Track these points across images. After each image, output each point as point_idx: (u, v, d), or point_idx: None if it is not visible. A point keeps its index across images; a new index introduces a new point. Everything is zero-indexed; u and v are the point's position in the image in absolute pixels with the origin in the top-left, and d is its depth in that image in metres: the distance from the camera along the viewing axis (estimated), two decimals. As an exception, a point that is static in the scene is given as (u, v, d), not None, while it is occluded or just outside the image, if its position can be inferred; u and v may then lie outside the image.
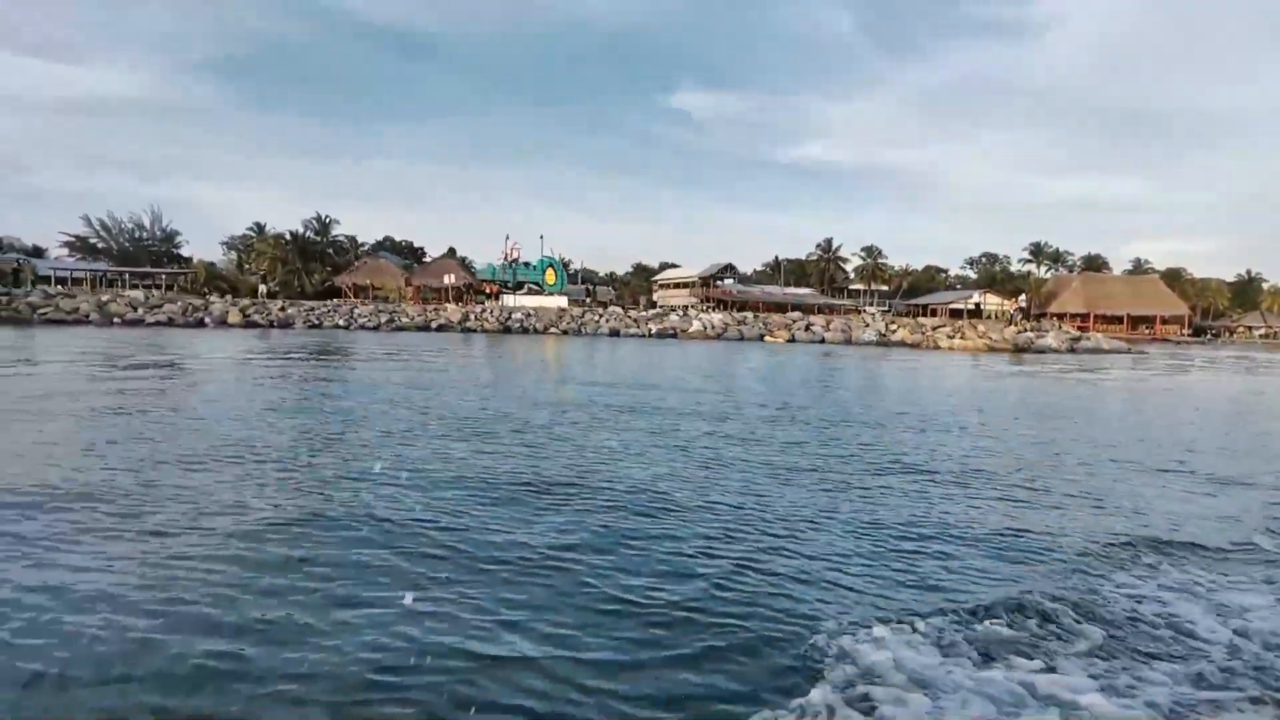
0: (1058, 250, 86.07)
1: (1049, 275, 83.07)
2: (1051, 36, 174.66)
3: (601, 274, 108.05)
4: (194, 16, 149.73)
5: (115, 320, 39.85)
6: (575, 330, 48.17)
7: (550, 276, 54.60)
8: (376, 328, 44.87)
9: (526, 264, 54.96)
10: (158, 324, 40.39)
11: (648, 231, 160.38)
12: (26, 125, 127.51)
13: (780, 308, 70.82)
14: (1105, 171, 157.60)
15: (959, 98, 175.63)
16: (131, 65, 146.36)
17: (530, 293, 53.59)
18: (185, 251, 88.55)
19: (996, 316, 73.33)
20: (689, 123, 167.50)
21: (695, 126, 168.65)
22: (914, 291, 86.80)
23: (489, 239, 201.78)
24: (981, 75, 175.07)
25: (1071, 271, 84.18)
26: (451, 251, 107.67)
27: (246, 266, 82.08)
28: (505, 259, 54.85)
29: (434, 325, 47.10)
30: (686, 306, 69.51)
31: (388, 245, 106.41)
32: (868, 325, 51.20)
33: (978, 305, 76.47)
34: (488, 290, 55.12)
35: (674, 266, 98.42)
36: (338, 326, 44.64)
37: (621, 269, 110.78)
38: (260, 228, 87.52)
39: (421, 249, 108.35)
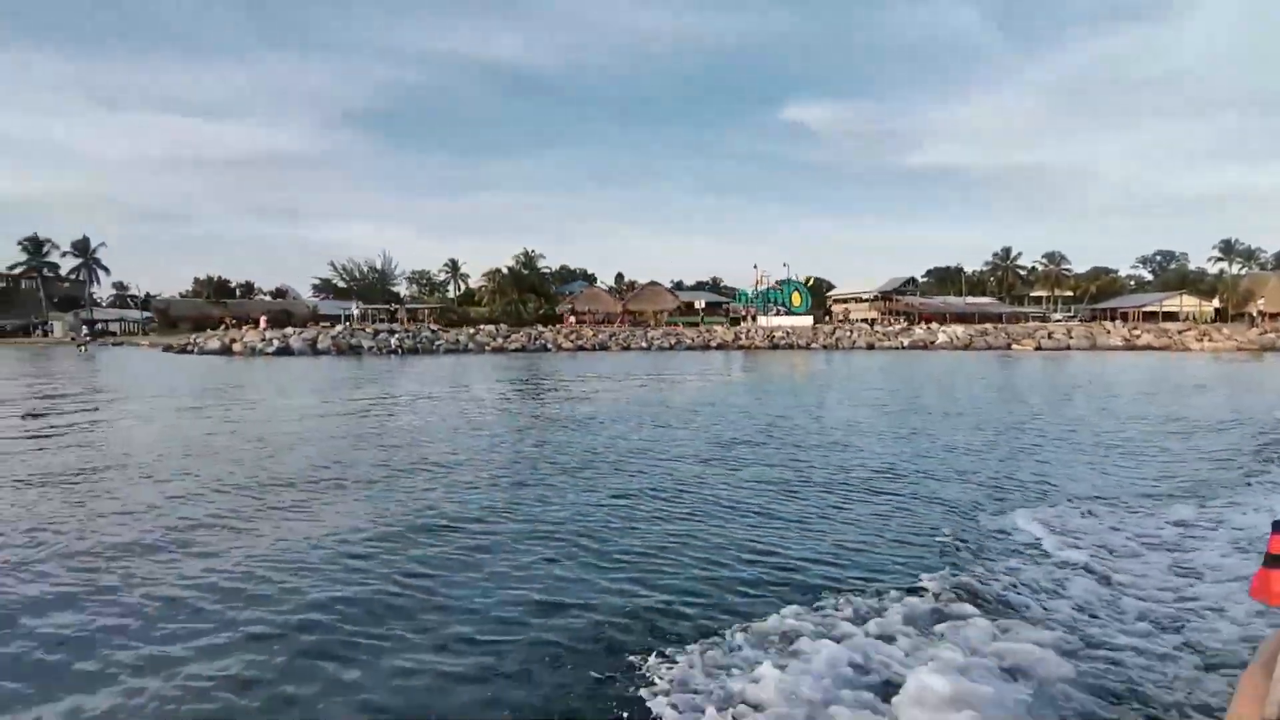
0: (1250, 247, 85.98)
1: (1242, 273, 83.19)
2: (1194, 18, 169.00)
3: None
4: (340, 74, 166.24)
5: (485, 348, 48.88)
6: (833, 345, 54.29)
7: (796, 299, 61.24)
8: (672, 347, 52.35)
9: (775, 289, 61.83)
10: (514, 350, 49.15)
11: (773, 249, 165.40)
12: (197, 180, 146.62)
13: (964, 318, 74.50)
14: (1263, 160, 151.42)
15: (1095, 88, 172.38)
16: (288, 122, 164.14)
17: (778, 314, 60.29)
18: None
19: (1194, 318, 74.56)
20: (806, 135, 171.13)
21: (813, 138, 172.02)
22: (1095, 296, 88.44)
23: (612, 264, 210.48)
24: (1118, 62, 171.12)
25: (1265, 269, 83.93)
26: (620, 277, 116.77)
27: (479, 299, 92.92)
28: (756, 285, 62.10)
29: (713, 344, 54.27)
30: (869, 320, 74.59)
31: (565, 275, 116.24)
32: (1109, 332, 54.89)
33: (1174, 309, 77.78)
34: (744, 314, 62.23)
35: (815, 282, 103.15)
36: (640, 349, 52.37)
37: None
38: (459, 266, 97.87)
39: (594, 274, 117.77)
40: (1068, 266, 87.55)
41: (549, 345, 50.57)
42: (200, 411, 15.42)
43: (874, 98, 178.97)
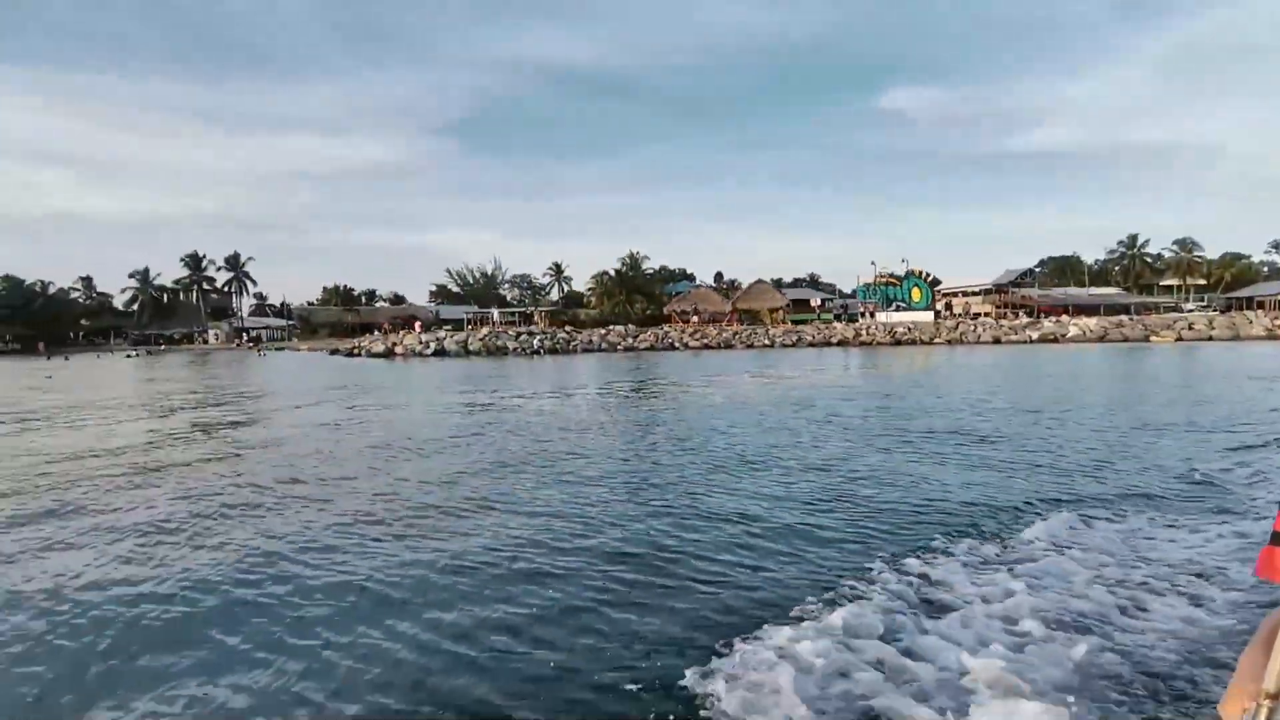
0: None
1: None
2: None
3: (845, 288, 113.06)
4: (432, 87, 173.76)
5: (617, 347, 51.52)
6: (958, 339, 54.01)
7: (917, 294, 61.17)
8: (794, 344, 53.51)
9: (894, 284, 61.97)
10: (644, 349, 51.58)
11: (869, 242, 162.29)
12: (303, 194, 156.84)
13: (1086, 310, 71.59)
14: None
15: (1218, 58, 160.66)
16: (385, 135, 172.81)
17: (898, 309, 60.37)
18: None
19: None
20: (902, 122, 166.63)
21: (908, 126, 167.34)
22: (1230, 285, 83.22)
23: (703, 262, 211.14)
24: (1243, 28, 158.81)
25: None
26: (719, 276, 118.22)
27: (586, 302, 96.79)
28: (875, 281, 62.42)
29: (834, 340, 55.06)
30: (981, 313, 72.88)
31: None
32: (1250, 322, 52.26)
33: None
34: (863, 310, 62.68)
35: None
36: (763, 346, 53.79)
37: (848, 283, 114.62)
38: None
39: (692, 274, 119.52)
40: (1200, 253, 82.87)
41: (676, 344, 52.76)
42: (442, 402, 18.11)
43: (973, 80, 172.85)
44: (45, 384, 28.87)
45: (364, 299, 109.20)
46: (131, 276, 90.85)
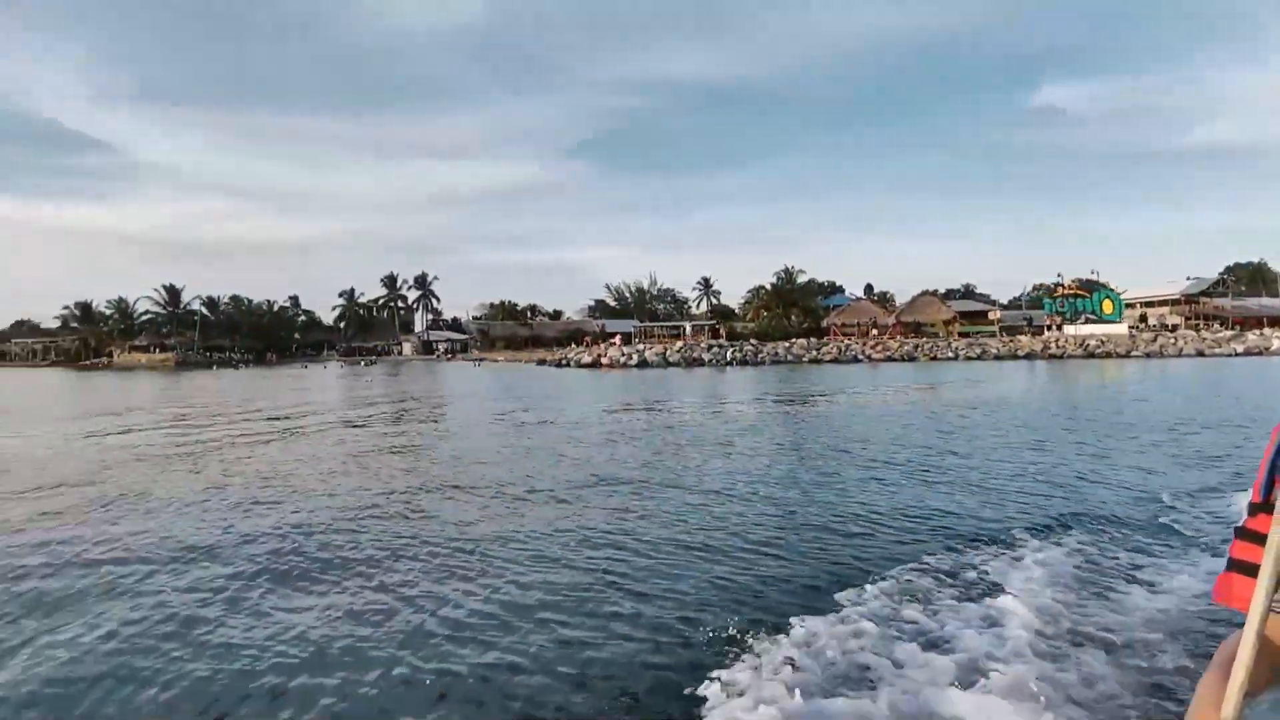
0: None
1: None
2: None
3: (1000, 298, 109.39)
4: (567, 110, 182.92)
5: (802, 360, 54.46)
6: (1156, 352, 52.73)
7: (1108, 306, 60.16)
8: (979, 356, 54.22)
9: (1084, 295, 61.29)
10: (828, 361, 54.17)
11: (1027, 249, 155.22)
12: (451, 214, 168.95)
13: None
14: None
15: None
16: (524, 157, 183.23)
17: (1086, 321, 59.59)
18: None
19: None
20: (1059, 120, 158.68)
21: (1066, 123, 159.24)
22: None
23: (845, 272, 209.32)
24: None
25: None
26: (869, 288, 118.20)
27: (743, 315, 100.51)
28: (1061, 292, 62.04)
29: (1020, 353, 55.24)
30: (1170, 325, 69.54)
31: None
32: None
33: None
34: (1049, 322, 62.41)
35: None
36: (946, 358, 54.87)
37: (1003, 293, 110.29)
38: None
39: (841, 285, 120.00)
40: None
41: (859, 356, 54.96)
42: (692, 407, 21.74)
43: (1136, 71, 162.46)
44: (366, 385, 35.73)
45: (528, 314, 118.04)
46: (340, 295, 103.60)
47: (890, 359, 54.64)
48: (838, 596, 4.80)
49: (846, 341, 60.67)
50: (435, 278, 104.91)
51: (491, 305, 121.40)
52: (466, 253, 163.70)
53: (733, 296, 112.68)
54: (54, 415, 22.04)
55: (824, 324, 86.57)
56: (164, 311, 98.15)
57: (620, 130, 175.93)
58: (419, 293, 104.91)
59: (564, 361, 56.45)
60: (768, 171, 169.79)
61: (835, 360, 54.49)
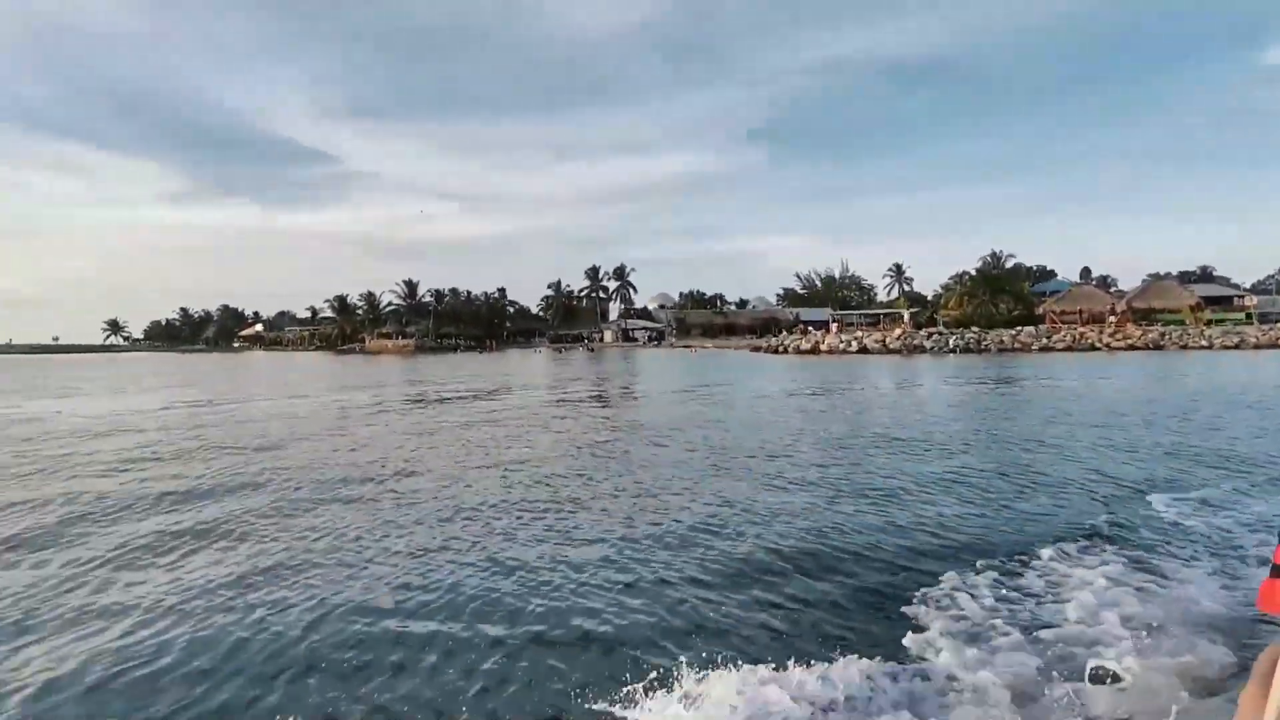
0: None
1: None
2: None
3: (1243, 281, 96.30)
4: (744, 93, 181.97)
5: (1030, 348, 53.22)
6: None
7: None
8: (1236, 345, 49.93)
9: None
10: (1060, 349, 52.44)
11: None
12: (625, 207, 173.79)
13: None
14: None
15: None
16: (698, 147, 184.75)
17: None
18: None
19: None
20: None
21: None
22: None
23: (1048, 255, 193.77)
24: None
25: None
26: (1086, 271, 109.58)
27: (945, 302, 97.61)
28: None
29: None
30: None
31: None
32: None
33: None
34: None
35: None
36: (1200, 347, 51.05)
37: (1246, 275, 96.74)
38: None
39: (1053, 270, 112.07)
40: None
41: (1096, 344, 52.72)
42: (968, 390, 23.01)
43: None
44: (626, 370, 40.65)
45: (716, 302, 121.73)
46: (550, 287, 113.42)
47: (1133, 347, 51.96)
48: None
49: (1082, 330, 57.97)
50: (633, 269, 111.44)
51: (682, 294, 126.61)
52: (642, 245, 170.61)
53: (922, 284, 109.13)
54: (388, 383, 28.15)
55: (1038, 311, 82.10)
56: (404, 303, 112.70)
57: (793, 117, 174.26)
58: (618, 283, 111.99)
59: (780, 348, 59.12)
60: (952, 152, 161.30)
61: (1069, 349, 52.70)
